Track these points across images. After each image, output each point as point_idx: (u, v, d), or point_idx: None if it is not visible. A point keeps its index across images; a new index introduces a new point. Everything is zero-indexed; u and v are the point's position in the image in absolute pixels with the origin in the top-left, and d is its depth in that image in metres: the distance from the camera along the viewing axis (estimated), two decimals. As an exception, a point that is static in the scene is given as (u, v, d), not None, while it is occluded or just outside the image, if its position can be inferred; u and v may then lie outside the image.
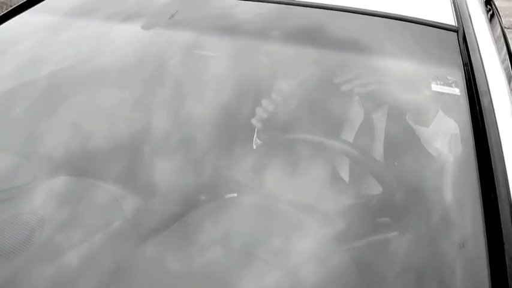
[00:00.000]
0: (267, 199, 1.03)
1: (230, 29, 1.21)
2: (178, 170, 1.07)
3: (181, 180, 1.06)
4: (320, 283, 0.83)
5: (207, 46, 1.24)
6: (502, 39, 1.77)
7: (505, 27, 2.11)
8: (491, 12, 1.73)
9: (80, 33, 1.30)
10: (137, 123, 1.15)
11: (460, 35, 1.11)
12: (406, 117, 1.05)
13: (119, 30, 1.27)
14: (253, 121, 1.16)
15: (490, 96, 0.93)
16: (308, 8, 1.23)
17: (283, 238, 0.91)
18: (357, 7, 1.20)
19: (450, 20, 1.17)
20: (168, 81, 1.21)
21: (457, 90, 1.00)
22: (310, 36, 1.17)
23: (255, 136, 1.20)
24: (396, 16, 1.17)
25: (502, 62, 1.18)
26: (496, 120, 0.89)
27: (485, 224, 0.78)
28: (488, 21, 1.31)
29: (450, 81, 1.01)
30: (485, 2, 1.65)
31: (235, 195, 1.05)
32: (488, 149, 0.84)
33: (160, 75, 1.20)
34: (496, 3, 2.14)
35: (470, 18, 1.16)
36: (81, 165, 1.08)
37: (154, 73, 1.22)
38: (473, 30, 1.11)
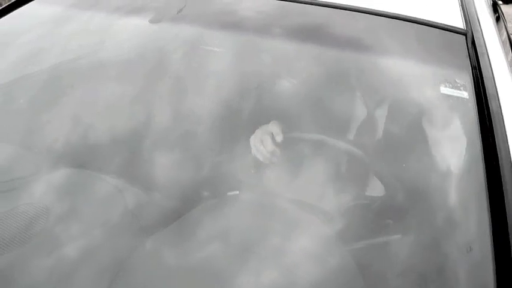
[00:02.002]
0: (270, 197, 1.03)
1: (237, 25, 1.20)
2: (182, 166, 1.07)
3: (184, 176, 1.06)
4: (321, 283, 0.82)
5: (214, 41, 1.23)
6: (508, 44, 1.76)
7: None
8: (496, 15, 1.72)
9: (84, 26, 1.29)
10: (141, 118, 1.14)
11: (469, 38, 1.10)
12: (414, 120, 1.04)
13: (124, 23, 1.26)
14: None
15: (499, 100, 0.93)
16: (315, 6, 1.22)
17: (285, 237, 0.91)
18: (366, 7, 1.19)
19: (459, 22, 1.16)
20: (173, 76, 1.20)
21: (466, 94, 0.99)
22: (317, 35, 1.16)
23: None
24: (404, 17, 1.16)
25: (510, 66, 1.17)
26: (504, 124, 0.88)
27: (492, 229, 0.78)
28: (496, 25, 1.31)
29: (459, 85, 1.00)
30: (493, 6, 1.65)
31: (237, 192, 1.04)
32: (496, 153, 0.84)
33: (166, 70, 1.19)
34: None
35: (478, 21, 1.16)
36: (84, 158, 1.07)
37: (159, 68, 1.21)
38: (482, 34, 1.11)
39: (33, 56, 1.27)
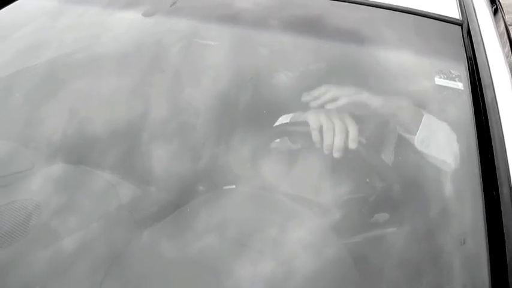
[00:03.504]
0: (266, 190, 1.02)
1: (232, 18, 1.20)
2: (177, 159, 1.07)
3: (180, 169, 1.05)
4: (317, 275, 0.82)
5: (208, 35, 1.22)
6: (506, 36, 1.75)
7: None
8: (494, 7, 1.71)
9: (79, 20, 1.29)
10: (137, 111, 1.13)
11: (465, 29, 1.10)
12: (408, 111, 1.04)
13: (118, 17, 1.26)
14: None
15: (494, 91, 0.92)
16: None
17: (281, 230, 0.91)
18: None
19: (454, 13, 1.16)
20: (168, 70, 1.19)
21: (461, 85, 0.99)
22: (313, 27, 1.15)
23: None
24: (400, 8, 1.15)
25: (506, 57, 1.16)
26: (499, 115, 0.88)
27: (487, 220, 0.77)
28: (492, 15, 1.30)
29: (454, 76, 1.00)
30: (490, -3, 1.64)
31: (234, 186, 1.04)
32: (491, 145, 0.83)
33: (160, 63, 1.19)
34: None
35: (475, 11, 1.15)
36: (80, 152, 1.07)
37: (153, 61, 1.20)
38: (478, 24, 1.10)
39: (27, 50, 1.26)
